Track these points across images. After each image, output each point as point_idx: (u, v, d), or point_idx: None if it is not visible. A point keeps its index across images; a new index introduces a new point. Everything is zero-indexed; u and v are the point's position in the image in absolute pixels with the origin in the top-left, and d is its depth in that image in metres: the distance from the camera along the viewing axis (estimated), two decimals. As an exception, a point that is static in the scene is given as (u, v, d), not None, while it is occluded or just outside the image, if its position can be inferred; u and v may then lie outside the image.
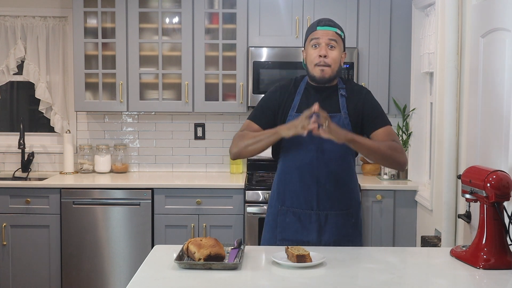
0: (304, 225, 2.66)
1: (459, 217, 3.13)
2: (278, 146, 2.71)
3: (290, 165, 2.68)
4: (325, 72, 2.61)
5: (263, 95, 2.84)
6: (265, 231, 2.79)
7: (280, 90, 2.72)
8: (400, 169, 2.71)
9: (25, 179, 4.64)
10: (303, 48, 2.72)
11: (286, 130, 2.49)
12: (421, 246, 3.73)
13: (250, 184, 4.26)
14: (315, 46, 2.61)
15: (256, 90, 4.40)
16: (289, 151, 2.67)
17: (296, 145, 2.63)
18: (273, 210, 2.75)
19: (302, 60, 2.77)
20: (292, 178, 2.68)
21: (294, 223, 2.67)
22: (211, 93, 4.52)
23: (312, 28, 2.66)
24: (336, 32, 2.62)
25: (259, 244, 3.45)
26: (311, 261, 2.16)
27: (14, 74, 4.78)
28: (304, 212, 2.66)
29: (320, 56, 2.59)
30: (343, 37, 2.66)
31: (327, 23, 2.64)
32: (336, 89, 2.69)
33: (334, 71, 2.63)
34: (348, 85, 2.73)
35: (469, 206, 2.80)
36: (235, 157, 2.69)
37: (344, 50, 2.68)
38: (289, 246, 2.25)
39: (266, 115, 2.69)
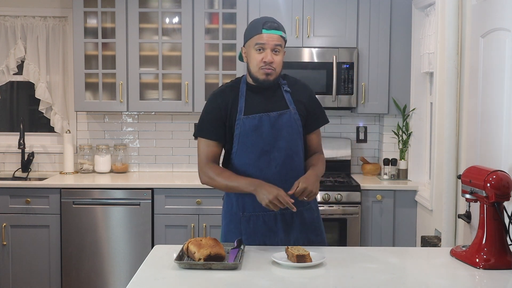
0: (270, 228, 2.61)
1: (459, 217, 3.13)
2: (229, 152, 2.64)
3: (246, 170, 2.59)
4: (270, 76, 2.57)
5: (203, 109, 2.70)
6: (228, 241, 2.63)
7: (220, 97, 2.63)
8: None
9: (25, 179, 4.64)
10: (243, 46, 2.67)
11: (262, 195, 2.43)
12: (421, 246, 3.73)
13: (250, 184, 4.25)
14: (260, 50, 2.56)
15: (256, 90, 4.39)
16: (242, 156, 2.59)
17: (248, 148, 2.58)
18: (234, 217, 2.65)
19: (238, 56, 2.72)
20: None
21: (259, 227, 2.61)
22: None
23: (256, 30, 2.58)
24: (281, 35, 2.57)
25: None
26: (311, 261, 2.16)
27: (14, 74, 4.78)
28: (268, 214, 2.60)
29: (265, 62, 2.54)
30: (286, 38, 2.62)
31: (273, 25, 2.57)
32: (279, 86, 2.66)
33: (278, 73, 2.60)
34: (288, 80, 2.70)
35: (469, 206, 2.80)
36: (206, 185, 2.65)
37: (284, 47, 2.62)
38: (289, 246, 2.25)
39: (216, 127, 2.60)
